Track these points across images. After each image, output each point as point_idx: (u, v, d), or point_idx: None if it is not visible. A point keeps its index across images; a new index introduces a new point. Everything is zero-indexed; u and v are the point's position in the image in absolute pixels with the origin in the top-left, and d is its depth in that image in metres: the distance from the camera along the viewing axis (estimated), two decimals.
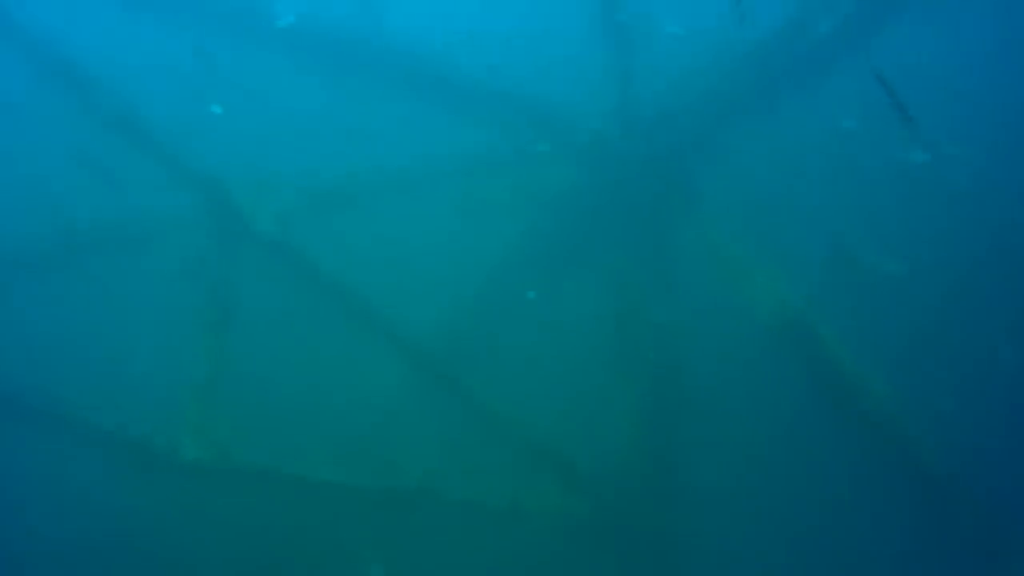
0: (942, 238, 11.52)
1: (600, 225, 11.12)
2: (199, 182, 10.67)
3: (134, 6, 11.73)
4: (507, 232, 11.37)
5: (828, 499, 10.48)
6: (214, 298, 10.41)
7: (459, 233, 11.41)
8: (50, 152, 11.63)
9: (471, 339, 11.05)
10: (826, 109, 11.59)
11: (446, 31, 11.68)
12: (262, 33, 11.52)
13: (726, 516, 10.30)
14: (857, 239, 11.62)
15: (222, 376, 10.14)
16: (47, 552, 10.17)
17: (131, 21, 11.64)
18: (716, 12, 11.13)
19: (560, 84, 11.28)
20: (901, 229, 11.61)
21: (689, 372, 10.52)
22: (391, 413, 10.49)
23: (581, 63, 11.31)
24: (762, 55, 11.20)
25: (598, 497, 10.02)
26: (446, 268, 11.12)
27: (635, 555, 10.00)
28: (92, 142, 10.94)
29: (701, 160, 11.14)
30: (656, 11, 11.45)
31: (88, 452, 10.01)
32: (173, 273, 10.62)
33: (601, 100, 11.17)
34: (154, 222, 10.94)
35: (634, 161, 11.06)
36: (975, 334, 11.07)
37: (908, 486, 10.08)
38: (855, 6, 11.33)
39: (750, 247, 10.78)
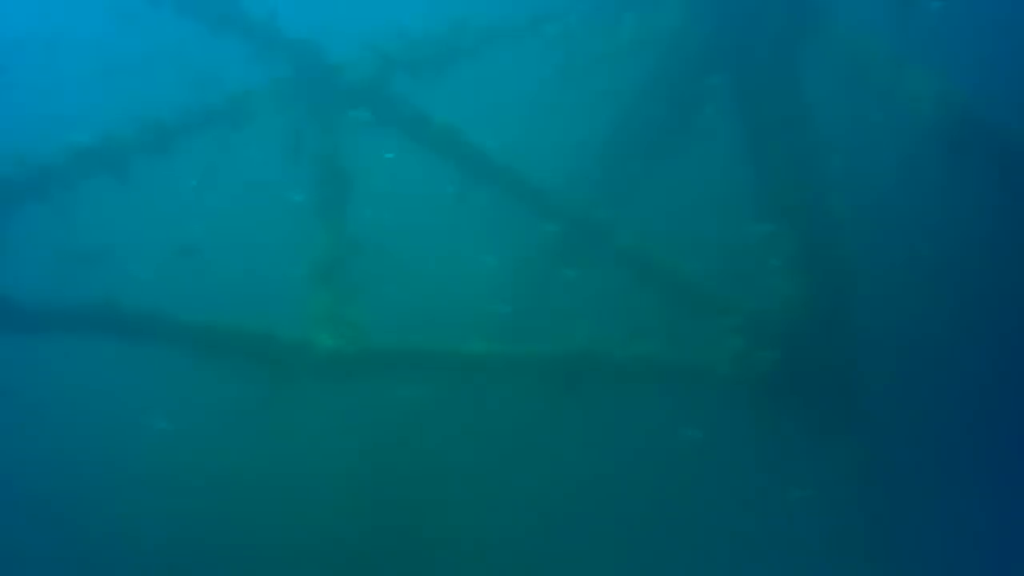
0: None
1: (721, 66, 9.97)
2: (290, 50, 9.62)
3: None
4: (623, 81, 10.23)
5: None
6: (324, 173, 9.46)
7: (574, 83, 10.30)
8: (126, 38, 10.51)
9: (607, 188, 10.00)
10: None
11: None
12: None
13: (911, 354, 9.39)
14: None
15: (346, 256, 9.23)
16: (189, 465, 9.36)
17: None
18: None
19: None
20: None
21: (851, 197, 9.52)
22: (538, 273, 9.55)
23: None
24: None
25: (774, 347, 9.12)
26: (568, 116, 10.04)
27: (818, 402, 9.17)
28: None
29: None
30: None
31: (215, 357, 9.16)
32: (274, 153, 9.63)
33: None
34: (245, 101, 9.85)
35: None
36: None
37: None
38: None
39: (892, 51, 9.68)
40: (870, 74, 9.98)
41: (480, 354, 8.94)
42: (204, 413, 9.43)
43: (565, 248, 9.47)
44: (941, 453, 9.18)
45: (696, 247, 9.36)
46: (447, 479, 8.97)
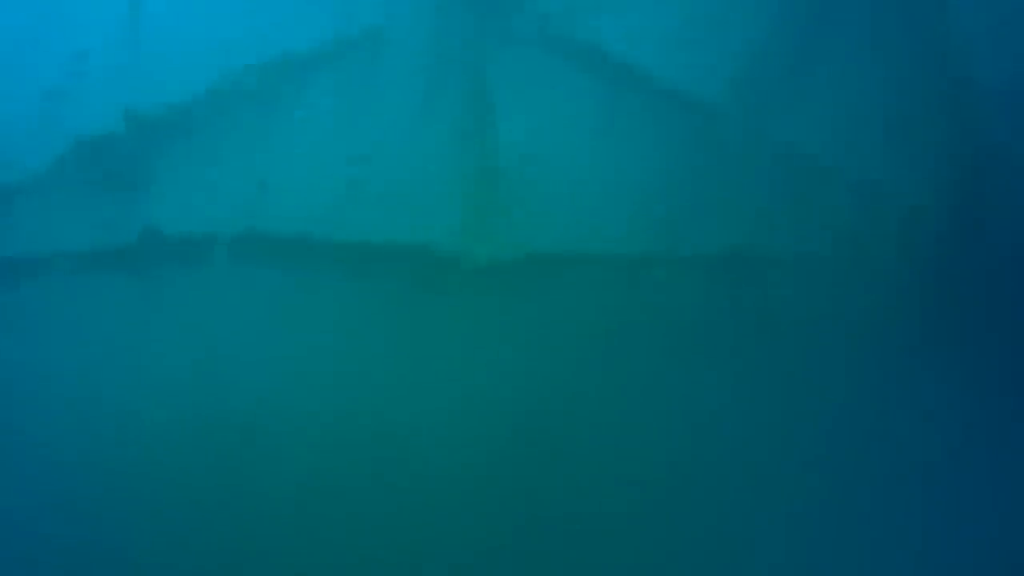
0: None
1: None
2: None
3: None
4: None
5: None
6: (472, 90, 9.45)
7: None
8: None
9: (768, 89, 9.74)
10: None
11: None
12: None
13: None
14: None
15: (497, 167, 9.18)
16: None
17: None
18: None
19: None
20: None
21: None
22: (689, 175, 9.33)
23: None
24: None
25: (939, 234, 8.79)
26: (725, 24, 9.80)
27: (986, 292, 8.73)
28: None
29: None
30: None
31: (362, 275, 9.13)
32: (421, 75, 9.63)
33: None
34: (388, 29, 9.88)
35: None
36: None
37: None
38: None
39: None
40: None
41: (640, 255, 8.81)
42: (357, 338, 9.27)
43: (721, 147, 9.27)
44: None
45: (852, 141, 9.11)
46: (618, 394, 8.67)
